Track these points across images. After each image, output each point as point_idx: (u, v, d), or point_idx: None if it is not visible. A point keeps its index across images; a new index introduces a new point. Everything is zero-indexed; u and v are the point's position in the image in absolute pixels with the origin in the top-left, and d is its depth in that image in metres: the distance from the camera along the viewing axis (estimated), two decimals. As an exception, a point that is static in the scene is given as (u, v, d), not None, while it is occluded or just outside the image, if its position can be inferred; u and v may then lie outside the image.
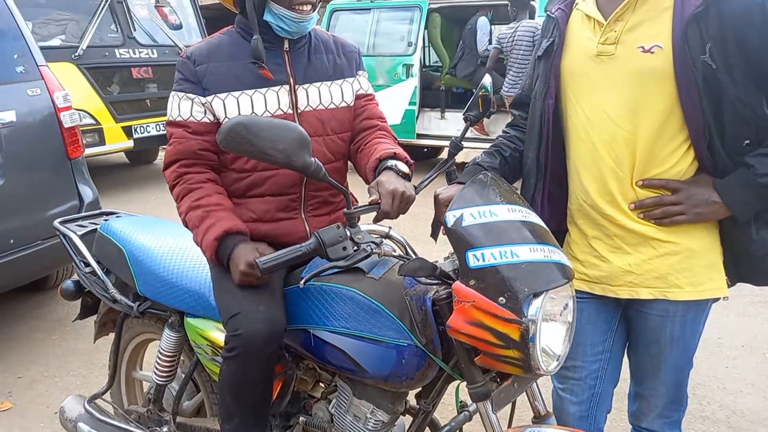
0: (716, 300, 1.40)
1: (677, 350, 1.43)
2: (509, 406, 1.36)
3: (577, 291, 1.37)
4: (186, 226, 1.51)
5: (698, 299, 1.36)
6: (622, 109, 1.28)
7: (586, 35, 1.34)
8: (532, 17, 6.08)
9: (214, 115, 1.48)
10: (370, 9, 7.19)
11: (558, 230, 1.46)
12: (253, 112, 1.47)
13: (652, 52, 1.22)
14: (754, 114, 1.21)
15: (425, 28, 6.94)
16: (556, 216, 1.47)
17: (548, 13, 1.45)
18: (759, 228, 1.29)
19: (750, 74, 1.18)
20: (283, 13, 1.43)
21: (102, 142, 5.93)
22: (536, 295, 1.09)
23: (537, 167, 1.45)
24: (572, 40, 1.38)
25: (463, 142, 1.53)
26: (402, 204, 1.32)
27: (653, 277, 1.35)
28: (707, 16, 1.17)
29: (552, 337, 1.16)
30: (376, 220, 1.34)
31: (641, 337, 1.46)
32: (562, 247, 1.42)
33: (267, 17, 1.45)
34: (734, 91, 1.18)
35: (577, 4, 1.39)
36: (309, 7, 1.44)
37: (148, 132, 6.32)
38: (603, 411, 1.58)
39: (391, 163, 1.43)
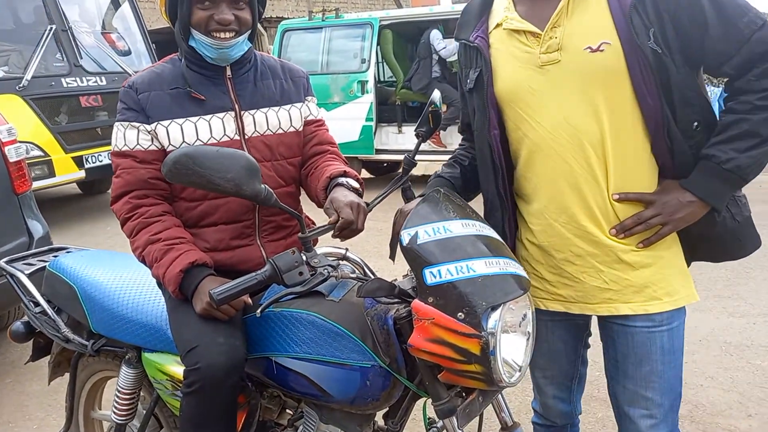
0: None
1: (670, 366, 1.35)
2: (476, 419, 1.36)
3: (549, 311, 1.39)
4: (142, 260, 1.46)
5: (675, 308, 1.33)
6: (582, 114, 1.25)
7: (521, 50, 1.30)
8: None
9: (160, 143, 1.45)
10: (321, 28, 7.22)
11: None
12: (198, 139, 1.45)
13: (602, 50, 1.20)
14: (695, 94, 1.22)
15: (378, 44, 7.00)
16: (517, 234, 1.45)
17: (464, 41, 1.39)
18: (719, 212, 1.27)
19: (685, 53, 1.19)
20: (203, 39, 1.42)
21: (51, 174, 5.74)
22: (494, 308, 1.10)
23: (500, 200, 1.40)
24: (503, 61, 1.33)
25: (417, 158, 1.54)
26: (362, 215, 1.31)
27: (632, 291, 1.31)
28: (644, 2, 1.17)
29: (513, 348, 1.17)
30: (342, 236, 1.31)
31: (630, 356, 1.36)
32: (522, 264, 1.40)
33: (191, 43, 1.45)
34: (678, 74, 1.19)
35: (498, 25, 1.34)
36: (230, 34, 1.42)
37: (100, 161, 6.16)
38: (580, 394, 1.63)
39: (342, 180, 1.44)
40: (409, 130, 6.94)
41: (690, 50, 1.20)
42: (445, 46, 6.85)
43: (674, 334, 1.35)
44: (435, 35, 6.89)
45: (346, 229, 1.28)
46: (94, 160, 6.11)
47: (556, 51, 1.25)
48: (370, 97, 6.87)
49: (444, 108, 6.27)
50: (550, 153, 1.29)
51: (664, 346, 1.34)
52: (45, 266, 1.89)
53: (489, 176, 1.41)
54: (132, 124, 1.45)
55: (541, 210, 1.35)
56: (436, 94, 1.52)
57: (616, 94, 1.23)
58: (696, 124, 1.23)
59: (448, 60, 6.95)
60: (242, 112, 1.49)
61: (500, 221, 1.42)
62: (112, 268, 1.76)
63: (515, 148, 1.37)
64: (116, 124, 1.48)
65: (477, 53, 1.36)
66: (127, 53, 6.81)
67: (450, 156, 1.60)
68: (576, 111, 1.25)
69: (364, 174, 7.66)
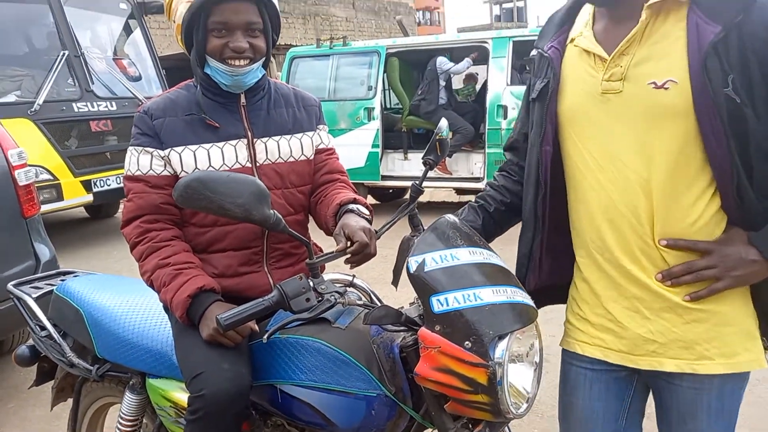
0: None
1: (718, 425, 1.21)
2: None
3: (588, 358, 1.29)
4: (150, 285, 1.47)
5: (731, 372, 1.17)
6: (634, 151, 1.14)
7: (587, 72, 1.20)
8: None
9: (173, 169, 1.47)
10: (329, 55, 7.33)
11: (560, 284, 1.36)
12: (210, 165, 1.46)
13: (666, 88, 1.09)
14: None
15: (384, 72, 7.09)
16: (558, 269, 1.35)
17: (539, 50, 1.31)
18: None
19: None
20: (217, 66, 1.44)
21: (60, 198, 5.79)
22: (501, 337, 1.09)
23: (534, 219, 1.31)
24: (570, 79, 1.24)
25: (423, 185, 1.55)
26: (374, 240, 1.32)
27: (679, 347, 1.17)
28: (727, 43, 1.03)
29: (521, 379, 1.15)
30: (354, 261, 1.31)
31: (673, 410, 1.25)
32: (567, 304, 1.37)
33: (207, 70, 1.47)
34: (758, 125, 1.04)
35: (572, 39, 1.25)
36: (244, 61, 1.44)
37: (108, 185, 6.21)
38: None
39: (353, 206, 1.45)
40: (415, 157, 6.99)
41: None
42: (455, 64, 6.93)
43: (727, 398, 1.20)
44: (441, 60, 6.99)
45: (360, 254, 1.29)
46: (102, 184, 6.16)
47: (619, 81, 1.14)
48: (376, 124, 6.93)
49: (450, 135, 6.31)
50: (595, 185, 1.20)
51: (711, 405, 1.20)
52: (52, 290, 1.90)
53: (530, 192, 1.32)
54: (146, 149, 1.47)
55: (586, 243, 1.25)
56: (444, 123, 1.54)
57: (675, 136, 1.10)
58: None
59: (454, 87, 7.02)
60: (255, 140, 1.51)
61: (530, 241, 1.33)
62: (119, 293, 1.76)
63: (567, 171, 1.28)
64: (130, 148, 1.50)
65: (548, 64, 1.27)
66: (138, 79, 6.92)
67: (478, 195, 1.50)
68: (628, 147, 1.15)
69: (370, 200, 7.69)
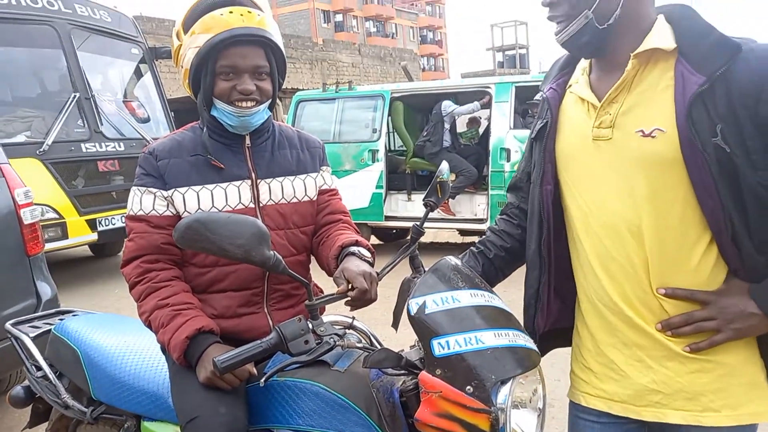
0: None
1: None
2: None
3: (594, 411, 1.26)
4: (148, 325, 1.45)
5: (739, 425, 1.13)
6: (625, 198, 1.14)
7: (581, 118, 1.22)
8: None
9: (175, 209, 1.48)
10: (335, 99, 7.45)
11: (571, 326, 1.34)
12: (213, 206, 1.47)
13: (653, 137, 1.09)
14: None
15: (389, 115, 7.20)
16: (568, 312, 1.33)
17: (541, 92, 1.34)
18: None
19: None
20: (225, 108, 1.46)
21: (65, 236, 5.80)
22: (504, 382, 1.07)
23: (540, 259, 1.30)
24: (566, 124, 1.26)
25: (426, 225, 1.55)
26: (375, 285, 1.31)
27: (684, 398, 1.14)
28: (714, 94, 1.04)
29: (524, 425, 1.13)
30: (355, 306, 1.30)
31: None
32: (572, 352, 1.35)
33: (213, 113, 1.49)
34: (755, 177, 1.03)
35: (571, 85, 1.27)
36: (251, 103, 1.46)
37: (113, 224, 6.24)
38: None
39: (354, 249, 1.44)
40: (418, 198, 7.01)
41: None
42: (459, 106, 7.04)
43: None
44: (446, 103, 7.12)
45: (360, 299, 1.28)
46: (107, 223, 6.19)
47: (608, 128, 1.16)
48: (380, 166, 7.00)
49: (453, 177, 6.37)
50: (589, 231, 1.21)
51: None
52: (50, 329, 1.88)
53: (534, 232, 1.31)
54: (149, 189, 1.48)
55: (585, 288, 1.25)
56: (444, 166, 1.55)
57: (664, 184, 1.11)
58: None
59: (458, 130, 7.12)
60: (258, 181, 1.52)
61: (536, 282, 1.32)
62: (117, 333, 1.75)
63: (565, 215, 1.29)
64: (133, 188, 1.51)
65: (547, 105, 1.30)
66: (147, 120, 7.04)
67: (479, 239, 1.50)
68: (618, 193, 1.16)
69: (374, 240, 7.69)
